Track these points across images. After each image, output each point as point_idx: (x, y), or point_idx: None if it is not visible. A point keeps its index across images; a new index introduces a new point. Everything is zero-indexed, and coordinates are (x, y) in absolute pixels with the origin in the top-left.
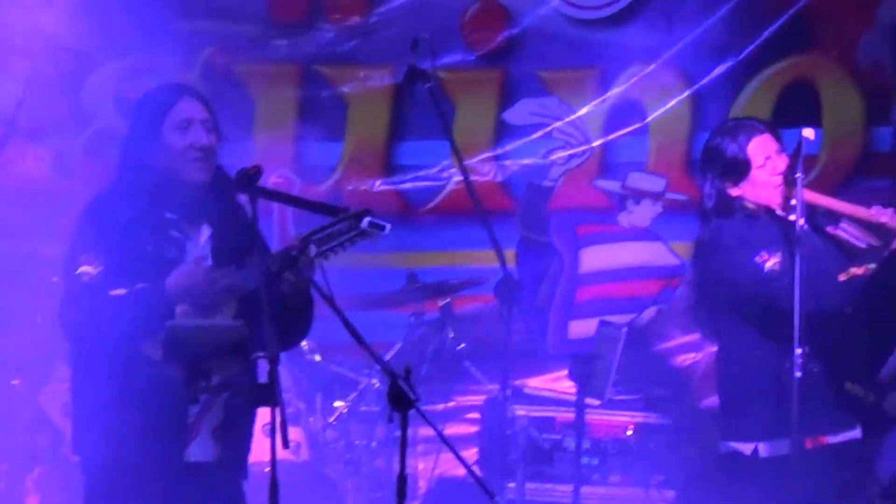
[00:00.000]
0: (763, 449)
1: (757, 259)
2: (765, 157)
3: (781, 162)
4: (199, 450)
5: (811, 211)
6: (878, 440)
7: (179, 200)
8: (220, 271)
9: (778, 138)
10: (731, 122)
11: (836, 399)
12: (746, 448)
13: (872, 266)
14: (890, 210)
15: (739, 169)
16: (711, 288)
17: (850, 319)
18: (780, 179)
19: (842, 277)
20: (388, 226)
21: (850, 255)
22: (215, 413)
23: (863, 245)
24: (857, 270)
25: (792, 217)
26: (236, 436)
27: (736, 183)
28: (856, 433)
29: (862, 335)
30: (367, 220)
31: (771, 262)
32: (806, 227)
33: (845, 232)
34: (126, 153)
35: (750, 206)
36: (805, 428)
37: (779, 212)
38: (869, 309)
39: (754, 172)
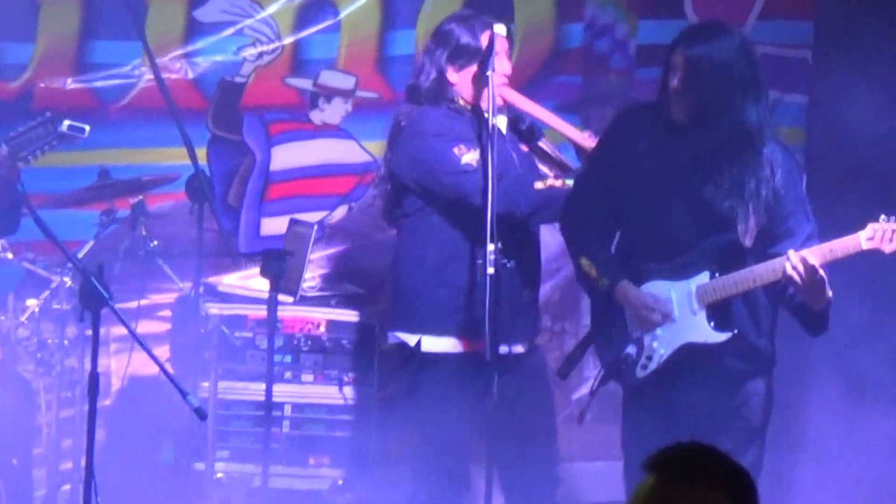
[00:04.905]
0: (427, 343)
1: (455, 150)
2: (494, 52)
3: (508, 65)
4: None
5: (516, 117)
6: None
7: None
8: None
9: (511, 41)
10: (468, 11)
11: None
12: (411, 339)
13: (570, 182)
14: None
15: (468, 53)
16: (403, 169)
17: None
18: (502, 80)
19: (538, 185)
20: (87, 128)
21: (551, 167)
22: None
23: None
24: (554, 182)
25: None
26: None
27: (460, 68)
28: (518, 348)
29: None
30: (66, 123)
31: (468, 157)
32: (509, 133)
33: (547, 145)
34: None
35: (460, 101)
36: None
37: (486, 113)
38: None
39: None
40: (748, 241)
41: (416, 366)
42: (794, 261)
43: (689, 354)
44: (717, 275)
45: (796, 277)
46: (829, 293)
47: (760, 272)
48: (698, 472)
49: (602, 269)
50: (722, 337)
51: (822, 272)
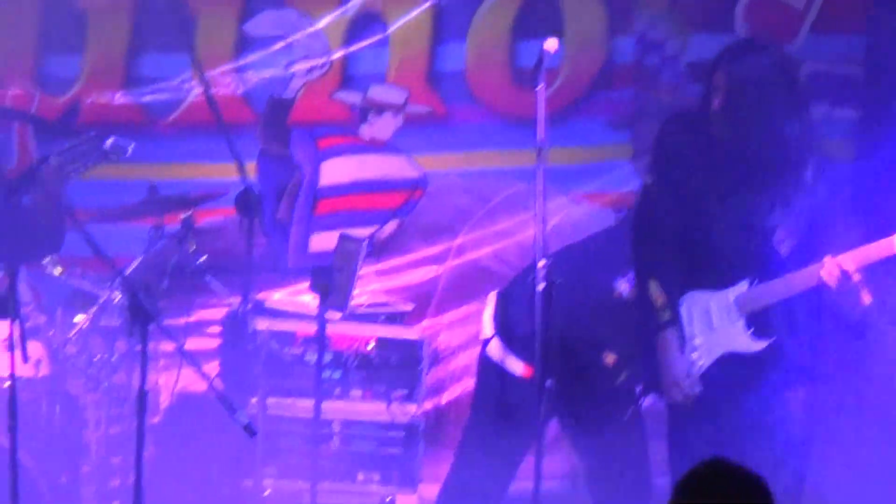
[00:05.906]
0: (493, 347)
1: (615, 285)
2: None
3: None
4: None
5: None
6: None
7: None
8: None
9: None
10: None
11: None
12: (487, 332)
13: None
14: None
15: None
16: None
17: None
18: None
19: (606, 357)
20: (131, 146)
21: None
22: None
23: None
24: (611, 361)
25: None
26: None
27: None
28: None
29: None
30: (110, 141)
31: (623, 286)
32: None
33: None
34: None
35: None
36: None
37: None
38: None
39: None
40: (786, 252)
41: (481, 361)
42: (829, 266)
43: (730, 368)
44: (755, 283)
45: (831, 283)
46: (867, 299)
47: (797, 279)
48: (708, 495)
49: (668, 302)
50: (761, 345)
51: (856, 277)
